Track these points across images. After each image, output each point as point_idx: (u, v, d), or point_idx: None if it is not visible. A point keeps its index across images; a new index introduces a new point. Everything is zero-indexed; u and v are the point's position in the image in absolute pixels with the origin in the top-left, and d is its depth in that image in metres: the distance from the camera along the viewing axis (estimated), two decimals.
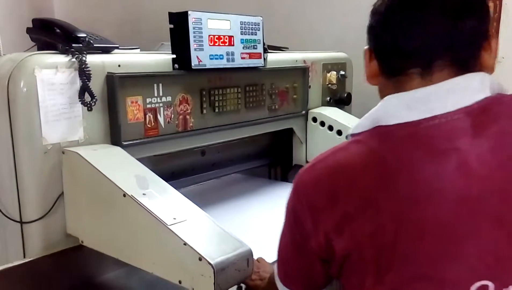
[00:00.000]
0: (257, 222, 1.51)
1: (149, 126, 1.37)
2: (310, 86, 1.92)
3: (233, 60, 1.52)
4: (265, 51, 1.64)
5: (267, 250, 1.28)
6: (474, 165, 0.68)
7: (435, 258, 0.68)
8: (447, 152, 0.69)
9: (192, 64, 1.39)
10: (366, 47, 0.86)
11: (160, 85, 1.39)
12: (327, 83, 2.00)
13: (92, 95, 1.22)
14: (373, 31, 0.81)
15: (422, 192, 0.69)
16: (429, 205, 0.69)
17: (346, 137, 0.86)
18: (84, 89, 1.21)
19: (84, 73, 1.20)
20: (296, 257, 0.86)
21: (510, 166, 0.69)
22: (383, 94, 0.81)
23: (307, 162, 1.99)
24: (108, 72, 1.27)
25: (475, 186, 0.68)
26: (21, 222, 1.20)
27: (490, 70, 0.78)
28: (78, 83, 1.21)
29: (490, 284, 0.67)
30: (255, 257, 1.05)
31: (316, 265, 0.82)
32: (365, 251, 0.72)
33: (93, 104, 1.22)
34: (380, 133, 0.76)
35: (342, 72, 2.02)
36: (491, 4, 1.96)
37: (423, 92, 0.73)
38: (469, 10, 0.74)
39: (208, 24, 1.42)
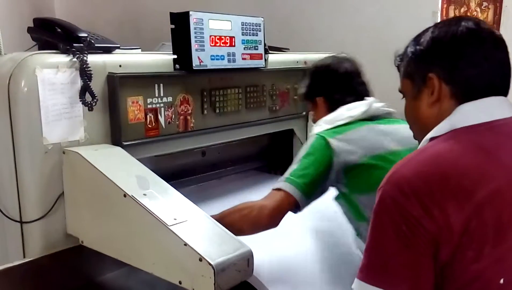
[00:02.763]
0: None
1: (149, 126, 1.37)
2: None
3: (234, 60, 1.52)
4: (266, 52, 1.64)
5: (267, 250, 1.28)
6: None
7: None
8: None
9: (193, 65, 1.39)
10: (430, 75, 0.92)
11: (161, 85, 1.39)
12: None
13: (93, 95, 1.22)
14: (451, 62, 0.91)
15: None
16: None
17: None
18: (85, 89, 1.21)
19: (85, 73, 1.20)
20: (403, 250, 0.82)
21: None
22: (441, 117, 0.92)
23: None
24: (109, 72, 1.27)
25: None
26: (21, 222, 1.20)
27: None
28: (79, 83, 1.22)
29: None
30: (255, 258, 1.05)
31: (425, 258, 0.81)
32: (485, 214, 0.79)
33: (94, 104, 1.22)
34: (460, 132, 0.89)
35: None
36: (491, 7, 1.96)
37: (487, 102, 0.90)
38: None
39: (210, 25, 1.42)
